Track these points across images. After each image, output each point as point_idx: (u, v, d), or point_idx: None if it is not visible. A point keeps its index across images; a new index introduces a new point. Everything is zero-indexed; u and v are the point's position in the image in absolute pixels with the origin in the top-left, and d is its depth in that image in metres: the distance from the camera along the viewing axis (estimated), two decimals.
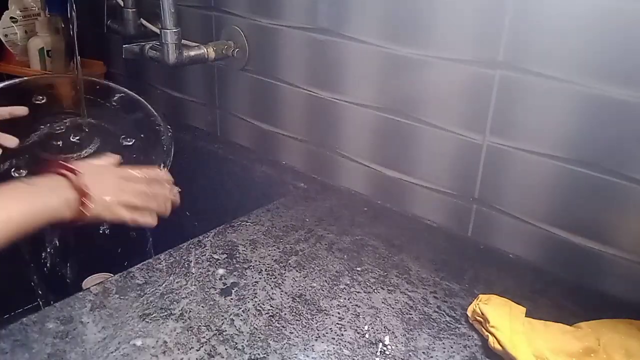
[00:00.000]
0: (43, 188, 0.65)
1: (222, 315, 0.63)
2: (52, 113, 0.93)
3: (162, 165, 0.88)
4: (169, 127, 0.95)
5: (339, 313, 0.65)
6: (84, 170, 0.69)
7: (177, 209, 0.80)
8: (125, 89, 0.98)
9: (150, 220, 0.75)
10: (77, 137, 0.92)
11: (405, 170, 0.86)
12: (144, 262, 0.72)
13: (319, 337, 0.61)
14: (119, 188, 0.72)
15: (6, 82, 0.92)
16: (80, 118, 0.94)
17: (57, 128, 0.92)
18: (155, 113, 0.96)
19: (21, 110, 0.83)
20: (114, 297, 0.65)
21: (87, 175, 0.68)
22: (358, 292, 0.68)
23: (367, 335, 0.61)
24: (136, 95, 0.98)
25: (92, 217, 0.68)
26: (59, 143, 0.90)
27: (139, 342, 0.58)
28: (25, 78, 1.00)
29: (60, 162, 0.69)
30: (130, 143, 0.92)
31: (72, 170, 0.67)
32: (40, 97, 0.92)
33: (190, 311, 0.63)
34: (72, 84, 1.00)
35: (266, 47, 0.98)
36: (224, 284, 0.69)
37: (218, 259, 0.73)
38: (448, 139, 0.79)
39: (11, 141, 0.80)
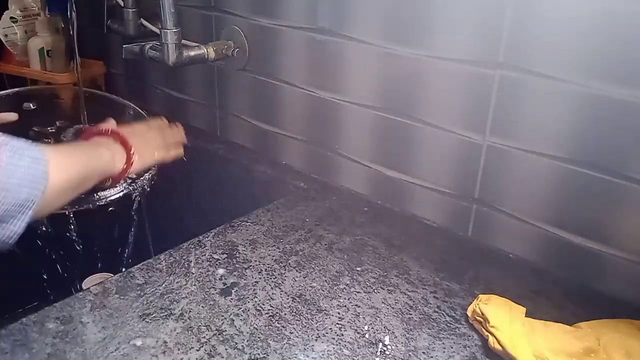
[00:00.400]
0: (96, 147, 0.72)
1: (222, 315, 0.63)
2: (46, 120, 0.94)
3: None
4: None
5: (339, 313, 0.65)
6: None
7: (177, 209, 0.81)
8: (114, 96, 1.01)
9: (179, 152, 0.87)
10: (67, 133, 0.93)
11: (405, 170, 0.86)
12: (144, 262, 0.72)
13: (319, 337, 0.61)
14: (147, 137, 0.81)
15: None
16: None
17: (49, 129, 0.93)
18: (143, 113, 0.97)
19: (11, 117, 0.85)
20: (114, 297, 0.65)
21: (127, 134, 0.76)
22: (358, 292, 0.68)
23: (367, 335, 0.61)
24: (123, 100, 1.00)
25: (138, 166, 0.76)
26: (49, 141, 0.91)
27: (139, 342, 0.58)
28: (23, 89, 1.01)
29: (96, 128, 0.76)
30: None
31: (109, 132, 0.75)
32: (31, 105, 0.92)
33: (190, 311, 0.63)
34: (69, 92, 1.01)
35: (266, 47, 0.98)
36: (224, 284, 0.69)
37: (218, 259, 0.73)
38: (448, 139, 0.79)
39: (12, 116, 0.84)
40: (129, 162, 0.74)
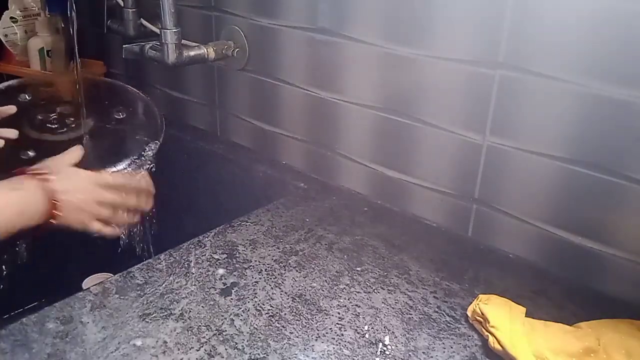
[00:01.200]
0: (18, 192, 0.64)
1: (222, 315, 0.63)
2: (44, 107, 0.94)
3: (152, 146, 0.87)
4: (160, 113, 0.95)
5: (339, 313, 0.65)
6: (59, 173, 0.68)
7: (177, 209, 0.80)
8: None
9: (116, 232, 0.75)
10: (69, 118, 0.93)
11: (405, 170, 0.86)
12: (144, 262, 0.72)
13: (319, 337, 0.61)
14: (92, 197, 0.71)
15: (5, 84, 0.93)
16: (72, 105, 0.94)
17: (51, 115, 0.93)
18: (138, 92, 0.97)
19: (10, 109, 0.83)
20: (114, 297, 0.65)
21: (61, 181, 0.68)
22: (358, 292, 0.68)
23: (367, 335, 0.61)
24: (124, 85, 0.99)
25: (61, 224, 0.67)
26: (53, 126, 0.91)
27: (139, 342, 0.58)
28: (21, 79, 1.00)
29: (31, 170, 0.67)
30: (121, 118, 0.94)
31: (44, 177, 0.66)
32: (26, 96, 0.92)
33: (190, 311, 0.63)
34: (68, 83, 1.01)
35: (266, 47, 0.98)
36: (224, 284, 0.69)
37: (218, 259, 0.73)
38: (448, 139, 0.79)
39: (11, 133, 0.81)
40: (51, 219, 0.66)
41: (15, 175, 0.66)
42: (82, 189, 0.69)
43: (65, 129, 0.91)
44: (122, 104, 0.96)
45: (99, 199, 0.72)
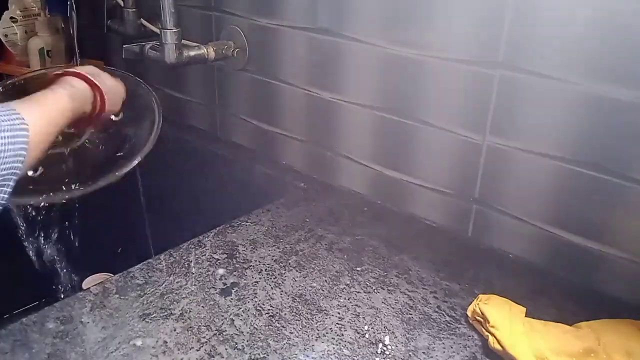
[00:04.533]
0: (65, 89, 0.70)
1: (222, 315, 0.63)
2: None
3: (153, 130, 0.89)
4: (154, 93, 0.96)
5: (339, 313, 0.64)
6: (99, 76, 0.75)
7: (177, 209, 0.80)
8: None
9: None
10: None
11: (405, 170, 0.86)
12: (144, 262, 0.72)
13: (319, 337, 0.61)
14: (119, 92, 0.79)
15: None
16: None
17: None
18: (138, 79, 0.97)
19: None
20: (114, 297, 0.65)
21: (101, 82, 0.75)
22: (358, 292, 0.68)
23: (367, 335, 0.61)
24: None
25: (110, 108, 0.75)
26: None
27: (139, 342, 0.58)
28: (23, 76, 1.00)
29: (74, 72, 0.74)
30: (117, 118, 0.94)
31: (79, 74, 0.73)
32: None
33: (190, 311, 0.63)
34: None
35: (266, 47, 0.98)
36: (224, 284, 0.69)
37: (218, 259, 0.73)
38: (448, 139, 0.79)
39: None
40: (102, 101, 0.74)
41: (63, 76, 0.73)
42: (113, 87, 0.77)
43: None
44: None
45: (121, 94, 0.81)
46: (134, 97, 0.93)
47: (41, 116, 0.62)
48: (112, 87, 0.78)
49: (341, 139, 0.93)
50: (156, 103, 0.91)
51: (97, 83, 0.73)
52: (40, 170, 0.75)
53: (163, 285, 0.68)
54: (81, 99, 0.71)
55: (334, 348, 0.59)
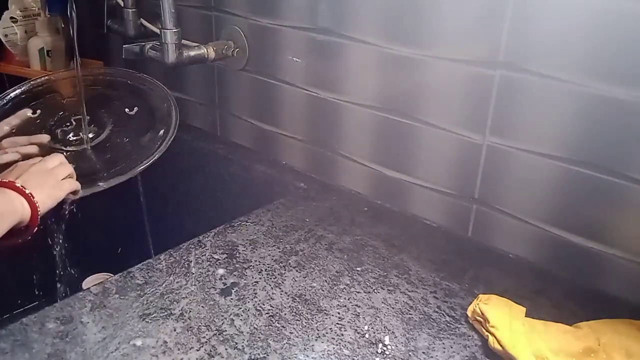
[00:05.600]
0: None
1: (222, 315, 0.63)
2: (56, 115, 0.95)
3: (169, 132, 0.90)
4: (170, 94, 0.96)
5: (339, 313, 0.65)
6: (19, 178, 0.71)
7: (177, 209, 0.80)
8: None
9: (76, 186, 0.78)
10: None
11: (405, 170, 0.86)
12: (144, 262, 0.72)
13: (319, 337, 0.61)
14: (41, 179, 0.73)
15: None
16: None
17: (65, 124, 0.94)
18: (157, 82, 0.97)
19: (42, 138, 0.86)
20: (114, 297, 0.65)
21: (24, 182, 0.71)
22: (358, 292, 0.68)
23: (367, 335, 0.61)
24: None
25: (43, 209, 0.70)
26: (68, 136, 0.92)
27: (139, 342, 0.58)
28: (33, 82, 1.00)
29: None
30: (133, 112, 0.95)
31: (12, 185, 0.69)
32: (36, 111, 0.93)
33: (190, 311, 0.63)
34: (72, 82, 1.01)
35: (266, 47, 0.98)
36: (224, 284, 0.69)
37: (218, 259, 0.73)
38: (448, 139, 0.79)
39: (44, 138, 0.86)
40: (34, 208, 0.69)
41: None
42: (35, 176, 0.73)
43: (78, 137, 0.92)
44: (130, 98, 0.96)
45: (43, 178, 0.74)
46: (154, 108, 0.94)
47: None
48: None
49: (341, 139, 0.93)
50: (175, 114, 0.92)
51: (31, 198, 0.68)
52: None
53: (163, 285, 0.68)
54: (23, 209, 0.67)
55: (334, 348, 0.59)
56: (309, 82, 0.94)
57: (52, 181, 0.74)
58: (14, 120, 0.89)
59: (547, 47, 0.67)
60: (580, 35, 0.64)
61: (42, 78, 0.99)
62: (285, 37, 0.94)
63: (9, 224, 0.66)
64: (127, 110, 0.95)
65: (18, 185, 0.69)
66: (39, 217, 0.70)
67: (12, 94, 0.94)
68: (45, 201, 0.71)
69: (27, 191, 0.69)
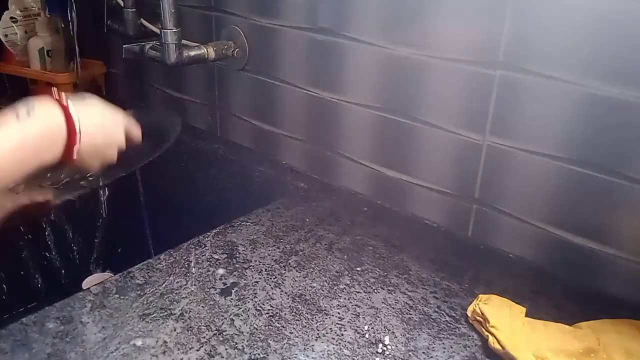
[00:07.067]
0: (35, 126, 0.57)
1: (222, 315, 0.63)
2: None
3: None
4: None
5: (339, 313, 0.65)
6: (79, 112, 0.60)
7: (177, 209, 0.80)
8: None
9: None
10: None
11: (405, 170, 0.86)
12: (144, 262, 0.72)
13: (319, 337, 0.61)
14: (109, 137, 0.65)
15: None
16: None
17: None
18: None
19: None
20: (114, 297, 0.65)
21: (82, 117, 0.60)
22: (358, 292, 0.68)
23: (367, 335, 0.61)
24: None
25: (79, 163, 0.61)
26: None
27: (139, 342, 0.58)
28: None
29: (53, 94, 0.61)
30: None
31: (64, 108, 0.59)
32: None
33: (190, 311, 0.63)
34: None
35: (266, 47, 0.98)
36: (224, 284, 0.69)
37: (218, 259, 0.73)
38: (448, 139, 0.79)
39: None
40: (69, 155, 0.59)
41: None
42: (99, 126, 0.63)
43: None
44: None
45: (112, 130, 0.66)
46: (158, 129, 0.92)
47: None
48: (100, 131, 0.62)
49: (341, 139, 0.93)
50: (174, 134, 0.88)
51: (75, 133, 0.58)
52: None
53: (163, 285, 0.68)
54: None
55: (334, 348, 0.59)
56: (309, 82, 0.94)
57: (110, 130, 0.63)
58: None
59: (547, 47, 0.67)
60: (580, 35, 0.64)
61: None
62: (285, 37, 0.94)
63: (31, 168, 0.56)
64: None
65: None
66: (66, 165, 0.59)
67: None
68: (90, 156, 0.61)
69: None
